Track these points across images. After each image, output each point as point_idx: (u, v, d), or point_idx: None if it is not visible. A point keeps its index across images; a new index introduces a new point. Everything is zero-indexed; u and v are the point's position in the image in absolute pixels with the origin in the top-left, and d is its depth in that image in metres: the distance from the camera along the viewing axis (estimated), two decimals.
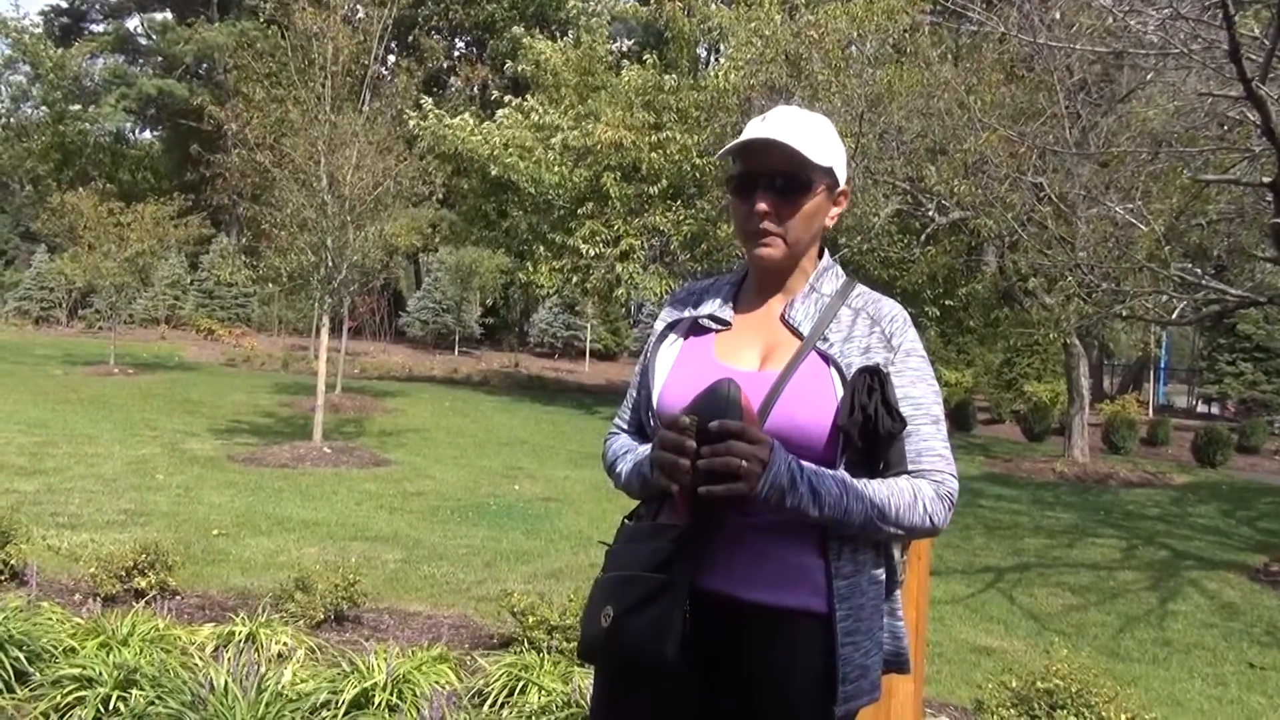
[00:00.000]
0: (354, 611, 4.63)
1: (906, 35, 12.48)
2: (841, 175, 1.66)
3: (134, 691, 3.18)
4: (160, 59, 36.96)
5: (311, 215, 10.19)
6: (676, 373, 1.65)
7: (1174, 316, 9.86)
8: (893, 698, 2.47)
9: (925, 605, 2.74)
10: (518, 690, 3.47)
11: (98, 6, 39.20)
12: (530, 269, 17.90)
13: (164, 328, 26.74)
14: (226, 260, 26.80)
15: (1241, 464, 14.50)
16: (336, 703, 3.23)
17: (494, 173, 17.13)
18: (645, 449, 1.64)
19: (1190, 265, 9.16)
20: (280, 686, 3.24)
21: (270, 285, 20.89)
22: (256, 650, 3.66)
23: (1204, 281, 8.16)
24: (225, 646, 3.76)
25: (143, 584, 4.59)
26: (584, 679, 3.35)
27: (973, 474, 11.48)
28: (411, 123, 15.54)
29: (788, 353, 1.60)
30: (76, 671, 3.31)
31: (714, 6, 16.94)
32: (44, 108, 36.32)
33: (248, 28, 29.16)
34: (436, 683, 3.42)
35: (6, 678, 3.39)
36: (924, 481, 1.55)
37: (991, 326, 17.84)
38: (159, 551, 4.73)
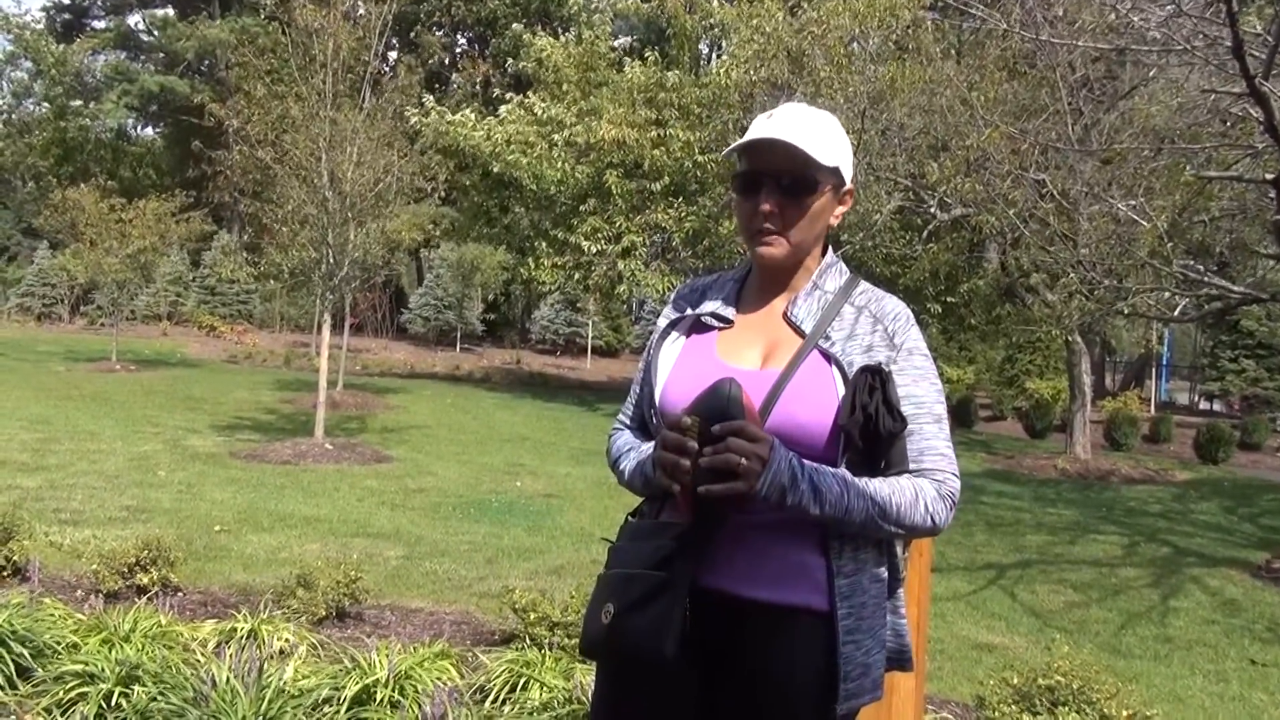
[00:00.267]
0: (356, 608, 4.64)
1: (908, 32, 12.45)
2: (848, 174, 1.65)
3: (136, 688, 3.19)
4: (162, 55, 36.96)
5: (312, 212, 10.19)
6: (678, 371, 1.65)
7: (1176, 313, 9.83)
8: (894, 694, 2.47)
9: (927, 602, 2.74)
10: (519, 687, 3.48)
11: (99, 3, 39.15)
12: (532, 266, 17.88)
13: (166, 324, 26.74)
14: (228, 257, 26.86)
15: (1243, 461, 14.48)
16: (338, 699, 3.23)
17: (496, 169, 17.12)
18: (648, 447, 1.64)
19: (1192, 262, 9.14)
20: (282, 683, 3.25)
21: (272, 282, 20.98)
22: (258, 647, 3.65)
23: (1206, 278, 8.14)
24: (227, 643, 3.77)
25: (145, 580, 4.59)
26: (585, 675, 3.35)
27: (974, 471, 11.46)
28: (413, 119, 15.53)
29: (789, 351, 1.59)
30: (79, 668, 3.31)
31: (715, 3, 16.87)
32: (45, 104, 36.35)
33: (249, 24, 29.11)
34: (438, 679, 3.42)
35: (9, 674, 3.40)
36: (926, 481, 1.54)
37: (993, 323, 17.78)
38: (161, 548, 4.73)
